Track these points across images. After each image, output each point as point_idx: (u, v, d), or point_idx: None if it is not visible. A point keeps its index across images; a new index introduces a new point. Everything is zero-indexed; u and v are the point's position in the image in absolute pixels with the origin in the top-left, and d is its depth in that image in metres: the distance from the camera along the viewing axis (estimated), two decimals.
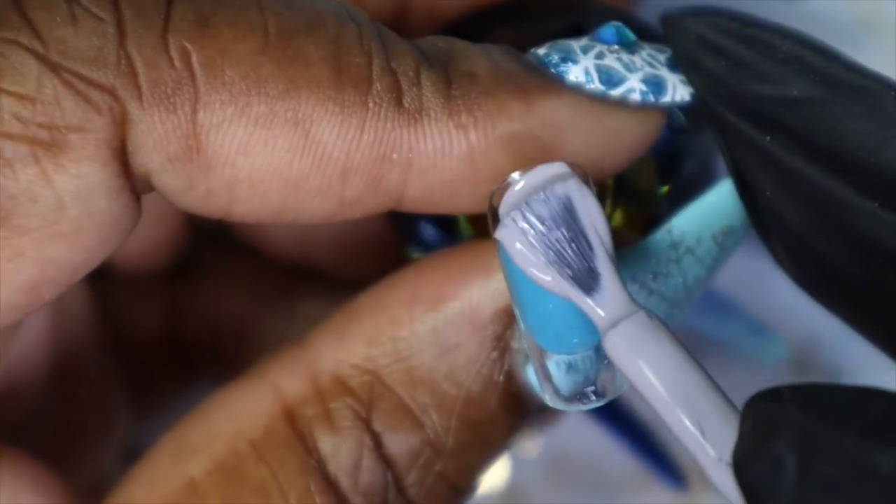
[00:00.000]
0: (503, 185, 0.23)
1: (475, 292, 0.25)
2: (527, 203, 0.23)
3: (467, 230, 0.28)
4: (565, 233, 0.23)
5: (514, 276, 0.23)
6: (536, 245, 0.23)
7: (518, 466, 0.38)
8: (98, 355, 0.32)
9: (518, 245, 0.23)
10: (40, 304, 0.24)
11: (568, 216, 0.23)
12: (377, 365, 0.25)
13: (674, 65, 0.25)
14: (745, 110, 0.23)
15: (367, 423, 0.25)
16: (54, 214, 0.23)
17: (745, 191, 0.24)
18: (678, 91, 0.25)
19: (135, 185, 0.23)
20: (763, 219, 0.24)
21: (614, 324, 0.23)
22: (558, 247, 0.23)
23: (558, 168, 0.23)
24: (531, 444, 0.38)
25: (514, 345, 0.25)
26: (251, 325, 0.33)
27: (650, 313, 0.23)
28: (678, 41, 0.24)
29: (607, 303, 0.23)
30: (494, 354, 0.25)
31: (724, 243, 0.26)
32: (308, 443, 0.25)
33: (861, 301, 0.22)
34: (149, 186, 0.24)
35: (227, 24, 0.23)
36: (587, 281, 0.23)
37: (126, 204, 0.23)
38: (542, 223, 0.23)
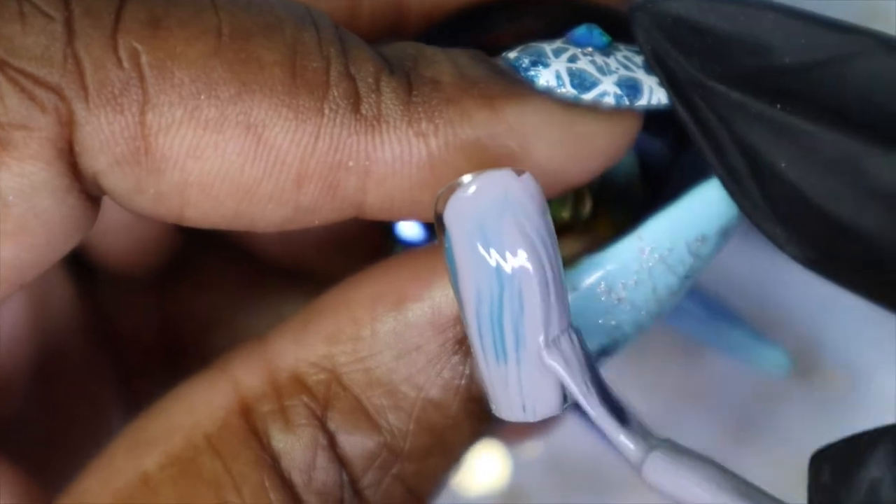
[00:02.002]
0: (449, 189, 0.22)
1: (438, 294, 0.24)
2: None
3: None
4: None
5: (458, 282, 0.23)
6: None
7: (519, 467, 0.38)
8: (87, 356, 0.32)
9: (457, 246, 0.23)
10: None
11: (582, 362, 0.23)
12: (335, 363, 0.25)
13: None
14: (745, 84, 0.23)
15: (321, 422, 0.24)
16: None
17: (752, 170, 0.23)
18: (654, 94, 0.24)
19: (84, 185, 0.23)
20: (771, 198, 0.23)
21: (645, 457, 0.23)
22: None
23: (506, 175, 0.22)
24: (532, 445, 0.38)
25: None
26: (242, 324, 0.33)
27: (668, 440, 0.23)
28: (656, 26, 0.23)
29: (635, 438, 0.23)
30: (456, 358, 0.24)
31: (699, 252, 0.25)
32: (263, 439, 0.24)
33: (886, 265, 0.22)
34: (99, 188, 0.23)
35: (180, 25, 0.23)
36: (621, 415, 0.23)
37: (74, 204, 0.23)
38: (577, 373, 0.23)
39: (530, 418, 0.23)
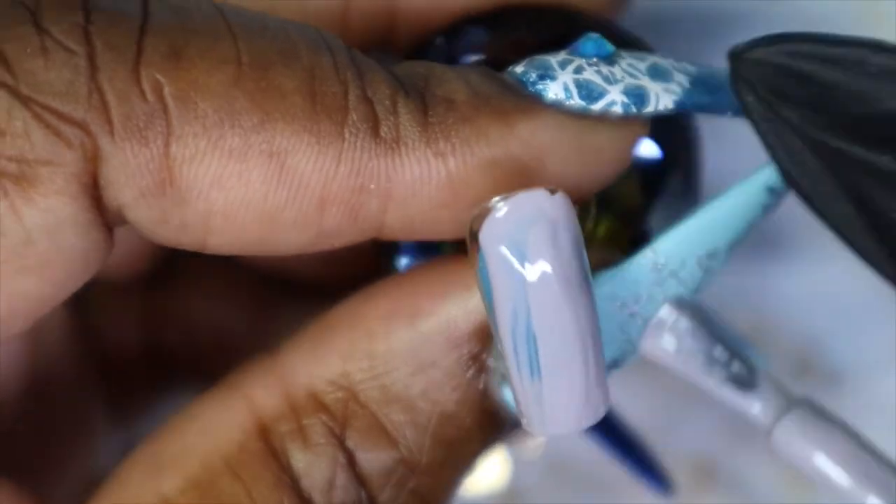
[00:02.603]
0: (483, 210, 0.23)
1: (453, 308, 0.25)
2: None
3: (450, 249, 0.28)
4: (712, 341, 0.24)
5: (490, 298, 0.23)
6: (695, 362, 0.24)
7: (519, 467, 0.38)
8: (74, 363, 0.32)
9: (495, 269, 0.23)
10: (8, 336, 0.23)
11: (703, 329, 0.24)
12: (352, 381, 0.25)
13: (655, 73, 0.25)
14: (853, 132, 0.22)
15: (340, 441, 0.24)
16: (22, 248, 0.22)
17: (865, 219, 0.23)
18: (661, 100, 0.24)
19: (106, 218, 0.23)
20: (888, 245, 0.23)
21: (776, 421, 0.23)
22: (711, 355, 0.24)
23: (540, 195, 0.22)
24: (532, 446, 0.38)
25: (491, 363, 0.25)
26: (229, 332, 0.33)
27: (809, 400, 0.24)
28: (755, 75, 0.23)
29: (763, 401, 0.24)
30: (471, 372, 0.25)
31: (709, 266, 0.25)
32: (282, 459, 0.24)
33: None
34: (121, 220, 0.23)
35: (200, 55, 0.23)
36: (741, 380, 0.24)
37: (96, 238, 0.23)
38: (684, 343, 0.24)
39: (562, 432, 0.24)
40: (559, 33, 0.27)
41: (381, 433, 0.25)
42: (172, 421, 0.25)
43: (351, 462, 0.24)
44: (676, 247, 0.25)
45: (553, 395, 0.23)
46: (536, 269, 0.22)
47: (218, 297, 0.33)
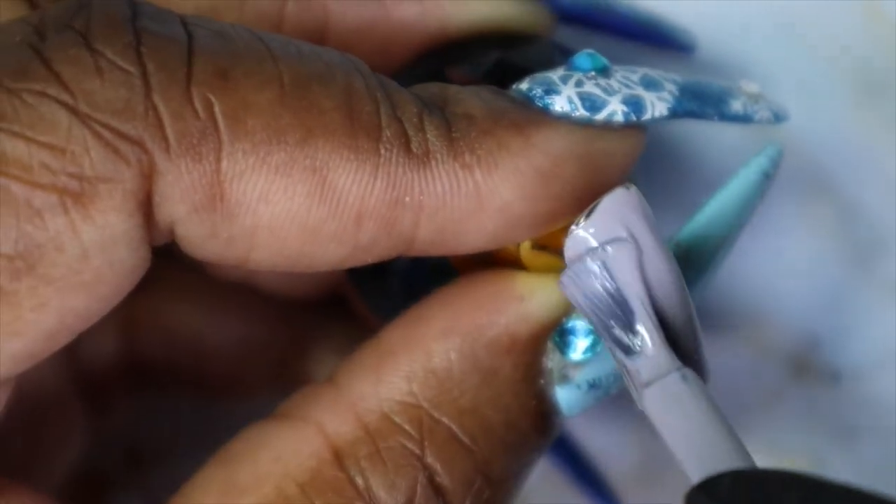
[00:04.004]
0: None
1: (508, 319, 0.26)
2: (574, 272, 0.24)
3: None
4: (608, 298, 0.24)
5: None
6: (586, 308, 0.24)
7: None
8: (53, 371, 0.32)
9: (574, 302, 0.25)
10: (53, 351, 0.24)
11: (610, 280, 0.24)
12: (421, 399, 0.26)
13: (647, 83, 0.26)
14: None
15: (420, 459, 0.25)
16: (79, 264, 0.23)
17: None
18: (656, 108, 0.26)
19: (154, 236, 0.24)
20: None
21: (648, 383, 0.24)
22: (600, 312, 0.24)
23: (619, 198, 0.24)
24: None
25: (547, 365, 0.26)
26: (208, 340, 0.34)
27: (685, 375, 0.24)
28: None
29: (644, 363, 0.24)
30: (530, 377, 0.26)
31: (722, 252, 0.27)
32: (357, 484, 0.25)
33: None
34: (168, 236, 0.24)
35: (245, 75, 0.24)
36: (626, 343, 0.24)
37: (143, 255, 0.24)
38: (587, 289, 0.24)
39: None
40: (504, 57, 0.29)
41: (459, 445, 0.25)
42: (240, 446, 0.26)
43: (430, 478, 0.25)
44: (697, 238, 0.27)
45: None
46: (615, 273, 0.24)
47: (195, 306, 0.34)
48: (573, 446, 0.35)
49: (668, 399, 0.24)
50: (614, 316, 0.24)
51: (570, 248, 0.24)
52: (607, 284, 0.24)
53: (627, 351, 0.24)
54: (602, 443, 0.36)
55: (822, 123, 0.35)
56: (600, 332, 0.25)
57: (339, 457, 0.25)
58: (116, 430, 0.35)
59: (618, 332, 0.24)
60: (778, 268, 0.36)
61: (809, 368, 0.37)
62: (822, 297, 0.36)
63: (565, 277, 0.25)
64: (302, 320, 0.34)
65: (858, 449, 0.36)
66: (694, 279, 0.26)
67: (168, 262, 0.33)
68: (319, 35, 0.29)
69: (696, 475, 0.23)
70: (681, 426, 0.24)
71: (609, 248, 0.24)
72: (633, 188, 0.24)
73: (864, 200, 0.36)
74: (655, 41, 0.33)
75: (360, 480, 0.25)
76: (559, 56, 0.29)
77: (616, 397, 0.27)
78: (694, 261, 0.27)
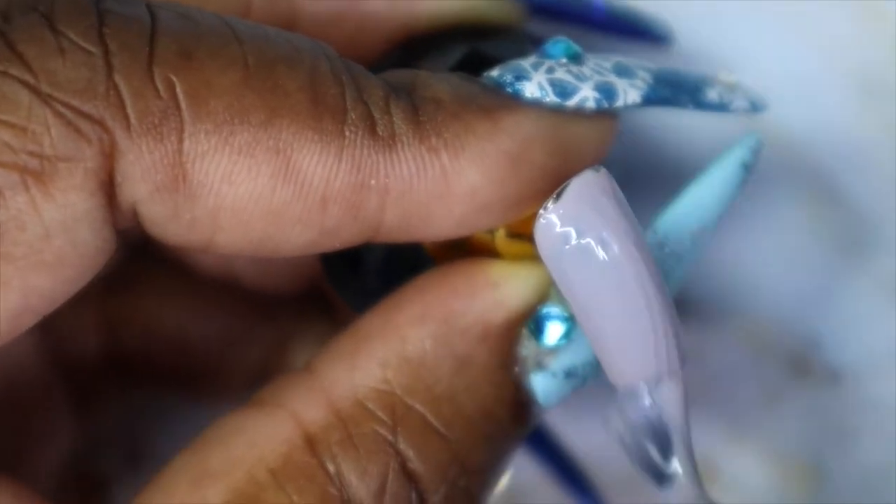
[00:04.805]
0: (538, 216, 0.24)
1: (483, 306, 0.26)
2: (623, 404, 0.25)
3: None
4: (649, 425, 0.25)
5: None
6: (623, 443, 0.25)
7: (518, 466, 0.38)
8: (35, 367, 0.32)
9: (550, 263, 0.25)
10: (18, 333, 0.24)
11: (655, 418, 0.24)
12: (395, 386, 0.25)
13: (620, 71, 0.27)
14: None
15: (393, 445, 0.25)
16: (40, 243, 0.23)
17: None
18: (629, 95, 0.26)
19: (117, 217, 0.24)
20: None
21: None
22: (639, 445, 0.25)
23: (584, 176, 0.24)
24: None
25: (522, 353, 0.26)
26: (190, 336, 0.34)
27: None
28: None
29: (675, 496, 0.24)
30: (506, 365, 0.26)
31: (699, 241, 0.27)
32: (329, 470, 0.25)
33: None
34: (131, 218, 0.24)
35: (209, 56, 0.24)
36: (661, 477, 0.25)
37: (107, 236, 0.24)
38: (630, 421, 0.25)
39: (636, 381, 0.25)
40: (474, 49, 0.29)
41: (432, 432, 0.25)
42: (214, 433, 0.26)
43: (403, 465, 0.25)
44: (674, 225, 0.26)
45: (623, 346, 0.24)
46: (598, 244, 0.24)
47: (176, 300, 0.34)
48: (561, 448, 0.35)
49: None
50: (651, 442, 0.24)
51: (540, 231, 0.24)
52: (650, 413, 0.24)
53: (660, 479, 0.24)
54: (590, 445, 0.36)
55: (822, 123, 0.35)
56: (634, 457, 0.25)
57: (311, 443, 0.25)
58: (112, 429, 0.35)
59: (653, 459, 0.24)
60: (777, 268, 0.36)
61: (809, 369, 0.37)
62: (822, 297, 0.36)
63: (614, 411, 0.25)
64: (284, 315, 0.34)
65: (858, 450, 0.36)
66: (672, 267, 0.26)
67: (149, 260, 0.33)
68: (288, 26, 0.29)
69: None
70: None
71: (662, 386, 0.24)
72: (603, 170, 0.24)
73: (864, 200, 0.36)
74: (631, 33, 0.33)
75: (331, 466, 0.25)
76: (531, 48, 0.29)
77: (605, 400, 0.27)
78: (670, 250, 0.26)
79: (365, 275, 0.29)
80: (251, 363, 0.34)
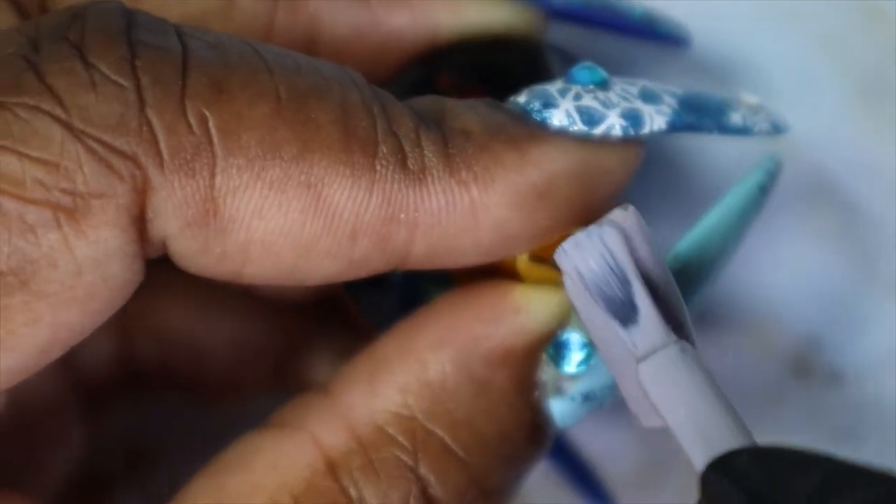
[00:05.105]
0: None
1: (505, 331, 0.26)
2: (575, 242, 0.24)
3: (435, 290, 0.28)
4: (608, 273, 0.24)
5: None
6: (585, 285, 0.24)
7: None
8: (48, 376, 0.32)
9: (570, 284, 0.24)
10: (45, 364, 0.24)
11: (609, 257, 0.24)
12: (415, 410, 0.25)
13: (646, 96, 0.26)
14: None
15: (414, 470, 0.25)
16: (72, 280, 0.23)
17: None
18: (655, 121, 0.26)
19: (147, 250, 0.24)
20: None
21: (645, 356, 0.24)
22: (600, 285, 0.24)
23: (616, 213, 0.24)
24: None
25: (541, 378, 0.26)
26: (203, 341, 0.33)
27: (684, 347, 0.24)
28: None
29: (641, 336, 0.24)
30: (525, 389, 0.26)
31: (719, 265, 0.27)
32: (351, 495, 0.25)
33: None
34: (160, 250, 0.24)
35: (241, 88, 0.23)
36: (625, 314, 0.24)
37: (137, 269, 0.24)
38: (588, 265, 0.24)
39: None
40: (495, 61, 0.29)
41: (452, 457, 0.25)
42: (235, 455, 0.26)
43: (424, 491, 0.25)
44: (694, 251, 0.27)
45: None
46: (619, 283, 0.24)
47: (190, 307, 0.34)
48: (571, 448, 0.35)
49: (666, 371, 0.24)
50: (611, 287, 0.24)
51: (563, 260, 0.24)
52: (606, 258, 0.24)
53: (625, 321, 0.24)
54: (600, 445, 0.36)
55: (822, 124, 0.35)
56: (597, 303, 0.24)
57: (332, 468, 0.25)
58: (116, 432, 0.35)
59: (616, 302, 0.24)
60: (779, 269, 0.36)
61: (811, 369, 0.37)
62: (823, 297, 0.36)
63: (565, 246, 0.24)
64: (298, 321, 0.34)
65: (859, 450, 0.36)
66: (691, 292, 0.26)
67: (163, 265, 0.33)
68: (310, 44, 0.28)
69: (697, 450, 0.23)
70: (679, 398, 0.23)
71: (606, 228, 0.24)
72: (631, 208, 0.24)
73: (864, 201, 0.36)
74: (650, 37, 0.33)
75: (353, 492, 0.25)
76: (553, 57, 0.29)
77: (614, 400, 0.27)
78: (691, 274, 0.26)
79: (386, 289, 0.29)
80: (265, 370, 0.34)
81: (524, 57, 0.29)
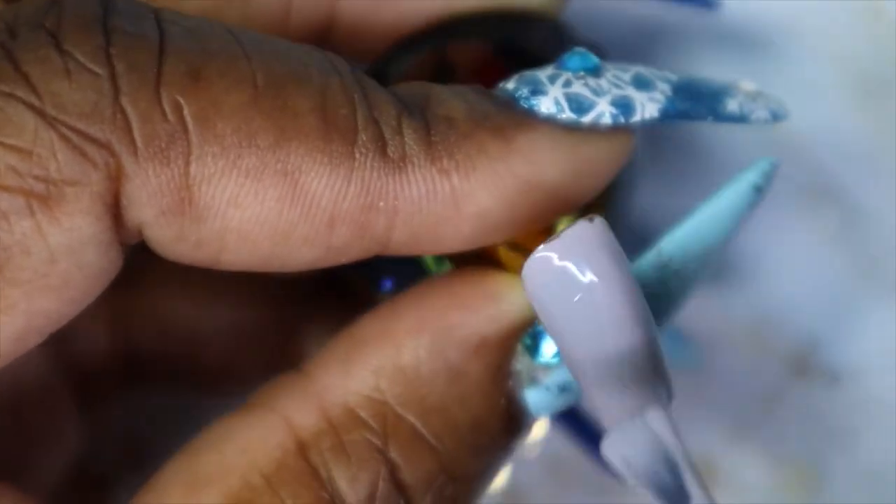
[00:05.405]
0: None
1: (481, 318, 0.25)
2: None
3: (434, 266, 0.28)
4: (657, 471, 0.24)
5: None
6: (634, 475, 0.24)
7: (518, 466, 0.38)
8: (41, 369, 0.32)
9: (537, 306, 0.24)
10: (21, 353, 0.24)
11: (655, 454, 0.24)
12: (388, 395, 0.25)
13: (639, 83, 0.26)
14: None
15: (383, 454, 0.25)
16: (45, 267, 0.23)
17: None
18: (646, 109, 0.26)
19: (123, 237, 0.24)
20: None
21: None
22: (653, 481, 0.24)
23: (579, 227, 0.23)
24: (531, 445, 0.38)
25: (516, 368, 0.26)
26: (201, 327, 0.33)
27: None
28: None
29: None
30: (499, 378, 0.26)
31: (706, 262, 0.26)
32: (321, 476, 0.25)
33: None
34: (137, 238, 0.24)
35: (218, 75, 0.23)
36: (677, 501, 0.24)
37: (113, 256, 0.23)
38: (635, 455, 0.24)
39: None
40: (509, 37, 0.28)
41: (423, 443, 0.25)
42: (207, 438, 0.26)
43: (392, 473, 0.25)
44: (679, 246, 0.26)
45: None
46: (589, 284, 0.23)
47: (185, 293, 0.33)
48: (590, 420, 0.35)
49: None
50: (660, 470, 0.24)
51: (528, 271, 0.24)
52: (649, 444, 0.24)
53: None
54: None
55: (822, 123, 0.35)
56: (648, 488, 0.24)
57: (303, 448, 0.25)
58: (115, 427, 0.35)
59: (667, 485, 0.24)
60: (778, 268, 0.36)
61: (809, 369, 0.37)
62: (821, 297, 0.36)
63: (610, 450, 0.24)
64: (297, 302, 0.34)
65: (858, 450, 0.36)
66: (675, 289, 0.26)
67: (155, 252, 0.33)
68: (327, 23, 0.28)
69: None
70: None
71: (647, 415, 0.24)
72: (598, 219, 0.24)
73: (863, 201, 0.36)
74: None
75: (323, 472, 0.25)
76: (567, 36, 0.28)
77: None
78: (675, 270, 0.26)
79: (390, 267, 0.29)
80: (264, 354, 0.34)
81: (541, 33, 0.29)
